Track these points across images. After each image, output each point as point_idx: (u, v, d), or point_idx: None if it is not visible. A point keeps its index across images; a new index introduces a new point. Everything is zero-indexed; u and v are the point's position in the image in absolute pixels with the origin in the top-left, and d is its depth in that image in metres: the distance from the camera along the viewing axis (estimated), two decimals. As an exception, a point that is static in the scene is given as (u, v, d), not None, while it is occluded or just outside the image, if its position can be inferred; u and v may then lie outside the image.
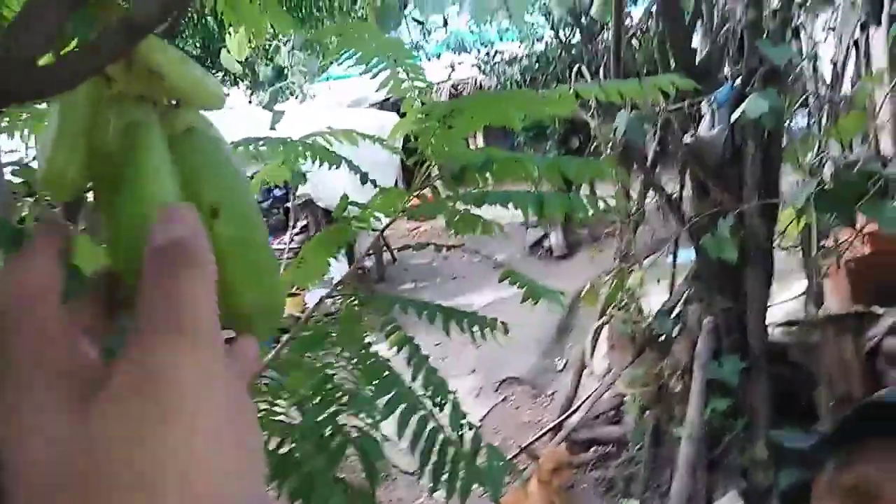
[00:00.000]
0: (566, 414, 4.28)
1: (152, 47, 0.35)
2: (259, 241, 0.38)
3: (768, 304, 3.48)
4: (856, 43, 4.56)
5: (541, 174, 1.34)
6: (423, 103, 1.58)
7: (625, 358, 3.94)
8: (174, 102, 0.37)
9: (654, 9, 4.07)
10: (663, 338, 3.75)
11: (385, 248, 8.39)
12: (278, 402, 1.29)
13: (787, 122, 3.54)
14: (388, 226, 1.65)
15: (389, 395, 1.18)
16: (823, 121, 3.72)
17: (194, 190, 0.34)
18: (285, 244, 6.92)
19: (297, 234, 7.16)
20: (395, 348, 1.35)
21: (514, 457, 4.06)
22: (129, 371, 0.28)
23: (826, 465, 0.87)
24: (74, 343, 0.31)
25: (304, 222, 7.42)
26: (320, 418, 1.07)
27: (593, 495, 3.76)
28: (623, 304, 3.92)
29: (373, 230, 1.75)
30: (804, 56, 4.24)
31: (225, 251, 0.34)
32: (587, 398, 4.20)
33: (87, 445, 0.27)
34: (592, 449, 4.13)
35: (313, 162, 1.61)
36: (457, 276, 8.22)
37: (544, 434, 4.28)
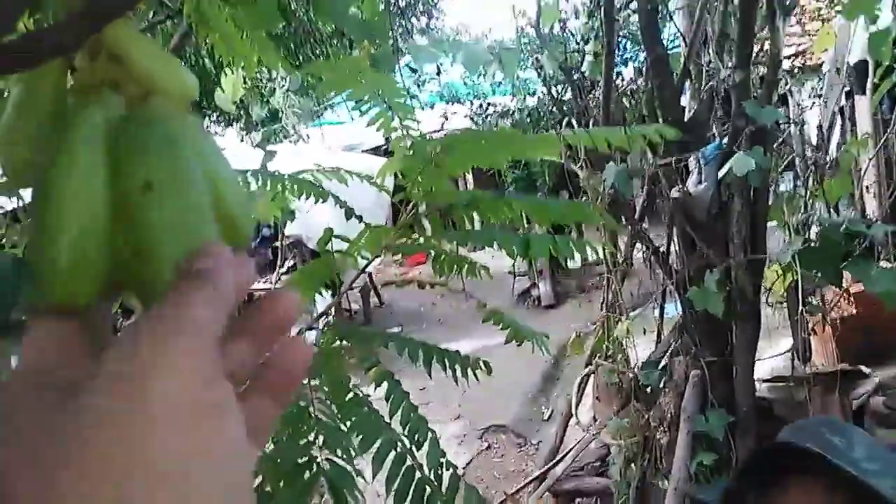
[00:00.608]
0: (551, 464, 4.22)
1: (120, 33, 0.35)
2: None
3: (756, 358, 3.47)
4: (841, 110, 4.66)
5: (527, 214, 1.35)
6: (412, 143, 1.59)
7: (610, 408, 3.91)
8: (141, 93, 0.36)
9: (644, 67, 4.16)
10: (649, 389, 3.72)
11: (372, 290, 8.38)
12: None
13: (774, 182, 3.59)
14: (370, 262, 1.65)
15: (366, 431, 1.16)
16: (810, 182, 3.78)
17: (128, 162, 0.33)
18: (272, 283, 6.90)
19: (284, 273, 7.14)
20: (377, 389, 1.34)
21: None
22: (117, 362, 0.28)
23: None
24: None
25: (292, 262, 7.41)
26: (292, 450, 1.05)
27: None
28: (609, 354, 3.91)
29: (361, 271, 1.75)
30: (791, 119, 4.33)
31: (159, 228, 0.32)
32: (572, 448, 4.15)
33: (58, 435, 0.27)
34: (577, 500, 4.06)
35: (299, 197, 1.61)
36: (444, 322, 8.20)
37: (529, 483, 4.22)
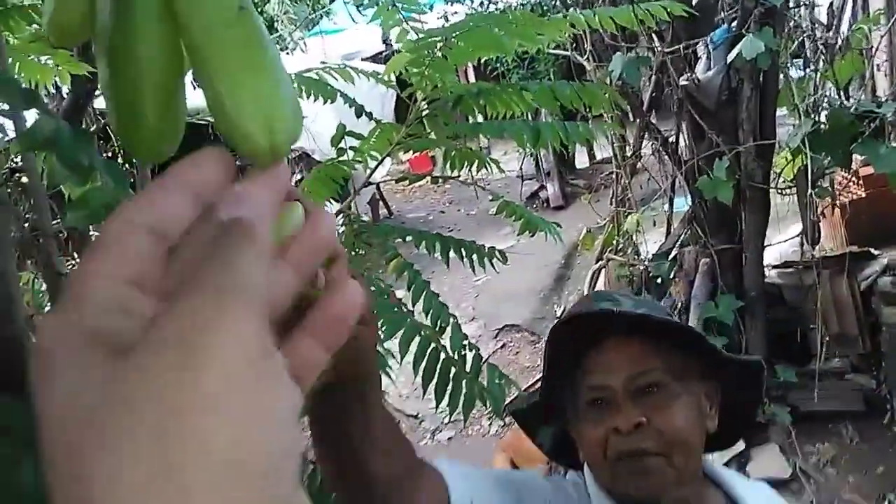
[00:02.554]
0: (564, 358, 4.34)
1: None
2: (278, 54, 0.37)
3: (765, 244, 3.51)
4: (853, -14, 4.51)
5: (536, 102, 1.35)
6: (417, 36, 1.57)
7: (621, 301, 3.98)
8: None
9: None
10: (660, 280, 3.78)
11: (381, 201, 8.39)
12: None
13: (785, 64, 3.52)
14: (380, 163, 1.66)
15: (390, 319, 1.21)
16: (820, 64, 3.70)
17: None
18: (282, 199, 6.91)
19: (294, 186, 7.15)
20: (398, 280, 1.38)
21: (513, 400, 4.13)
22: (166, 324, 0.27)
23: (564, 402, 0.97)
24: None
25: (300, 176, 7.41)
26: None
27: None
28: (620, 248, 3.95)
29: (369, 183, 1.75)
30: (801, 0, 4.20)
31: (256, 45, 0.34)
32: (585, 342, 4.25)
33: (107, 396, 0.26)
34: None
35: (308, 97, 1.61)
36: (453, 229, 8.25)
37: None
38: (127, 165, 1.62)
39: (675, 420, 0.87)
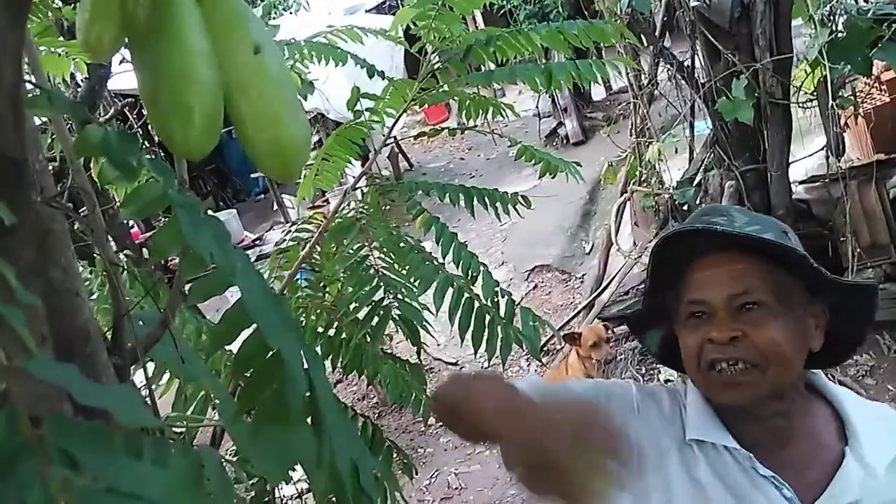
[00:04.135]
0: (597, 292, 4.37)
1: None
2: (292, 82, 0.42)
3: (790, 161, 3.47)
4: None
5: (544, 43, 1.35)
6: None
7: (649, 231, 3.98)
8: None
9: None
10: (686, 207, 3.77)
11: (400, 154, 8.39)
12: (319, 294, 1.37)
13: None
14: (397, 120, 1.67)
15: (422, 273, 1.25)
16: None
17: (234, 32, 0.39)
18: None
19: (311, 150, 7.17)
20: (426, 234, 1.41)
21: (549, 339, 4.20)
22: None
23: (671, 310, 0.98)
24: None
25: (317, 138, 7.41)
26: (356, 296, 1.14)
27: (630, 364, 3.89)
28: (643, 178, 3.93)
29: (386, 143, 1.77)
30: None
31: (273, 86, 0.39)
32: (616, 275, 4.28)
33: None
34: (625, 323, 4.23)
35: (319, 62, 1.62)
36: (474, 175, 8.23)
37: (577, 314, 4.40)
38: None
39: (771, 335, 0.87)
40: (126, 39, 0.41)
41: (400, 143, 8.22)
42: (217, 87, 0.40)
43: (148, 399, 0.61)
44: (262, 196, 9.47)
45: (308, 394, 0.51)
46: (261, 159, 0.42)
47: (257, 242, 6.13)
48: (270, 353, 0.51)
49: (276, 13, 8.77)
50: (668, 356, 1.05)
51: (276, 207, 7.65)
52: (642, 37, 3.77)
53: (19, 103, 0.36)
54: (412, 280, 1.26)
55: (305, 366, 0.52)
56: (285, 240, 1.53)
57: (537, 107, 8.05)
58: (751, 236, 0.90)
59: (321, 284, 1.38)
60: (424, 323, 1.16)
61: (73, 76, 2.55)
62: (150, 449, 0.36)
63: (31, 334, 0.43)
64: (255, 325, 0.49)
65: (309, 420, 0.52)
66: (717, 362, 0.89)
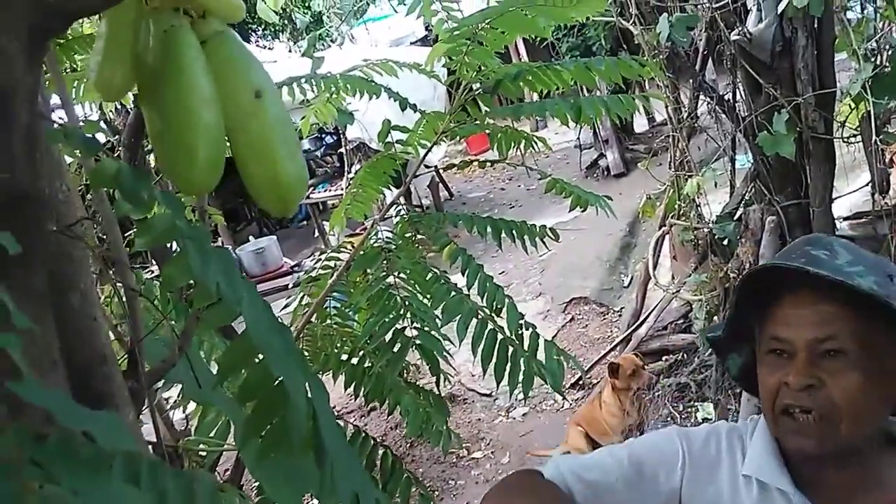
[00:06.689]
0: (634, 326, 4.32)
1: None
2: (291, 124, 0.45)
3: (833, 197, 3.40)
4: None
5: (572, 78, 1.36)
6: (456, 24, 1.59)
7: (688, 265, 3.93)
8: (202, 14, 0.43)
9: None
10: (726, 241, 3.71)
11: (441, 183, 8.45)
12: (348, 322, 1.38)
13: (842, 10, 3.38)
14: (430, 149, 1.69)
15: (447, 303, 1.25)
16: (878, 3, 3.53)
17: (236, 78, 0.41)
18: (343, 190, 7.04)
19: (352, 178, 7.27)
20: (453, 266, 1.42)
21: (589, 370, 4.15)
22: None
23: (755, 336, 0.95)
24: None
25: (359, 166, 7.52)
26: (379, 324, 1.15)
27: (667, 401, 3.82)
28: (682, 212, 3.89)
29: (426, 166, 1.79)
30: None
31: (272, 127, 0.41)
32: (654, 309, 4.22)
33: None
34: (664, 358, 4.16)
35: (354, 95, 1.66)
36: (514, 206, 8.24)
37: (615, 347, 4.34)
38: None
39: (849, 388, 0.84)
40: (136, 82, 0.44)
41: (441, 172, 8.29)
42: (220, 128, 0.42)
43: (154, 421, 0.63)
44: (304, 223, 9.61)
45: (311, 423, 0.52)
46: (259, 194, 0.44)
47: (295, 269, 6.21)
48: (276, 381, 0.52)
49: (322, 44, 8.98)
50: (750, 382, 1.01)
51: (317, 234, 7.76)
52: (681, 70, 3.76)
53: (35, 141, 0.38)
54: (437, 310, 1.27)
55: (309, 394, 0.53)
56: (316, 268, 1.56)
57: (578, 138, 8.05)
58: (842, 283, 0.85)
59: (349, 312, 1.40)
60: (445, 354, 1.16)
61: (124, 105, 2.64)
62: (145, 471, 0.37)
63: (40, 358, 0.45)
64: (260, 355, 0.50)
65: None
66: (791, 408, 0.87)
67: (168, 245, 0.50)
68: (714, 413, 3.62)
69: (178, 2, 0.43)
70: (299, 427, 0.52)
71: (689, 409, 3.74)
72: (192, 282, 0.53)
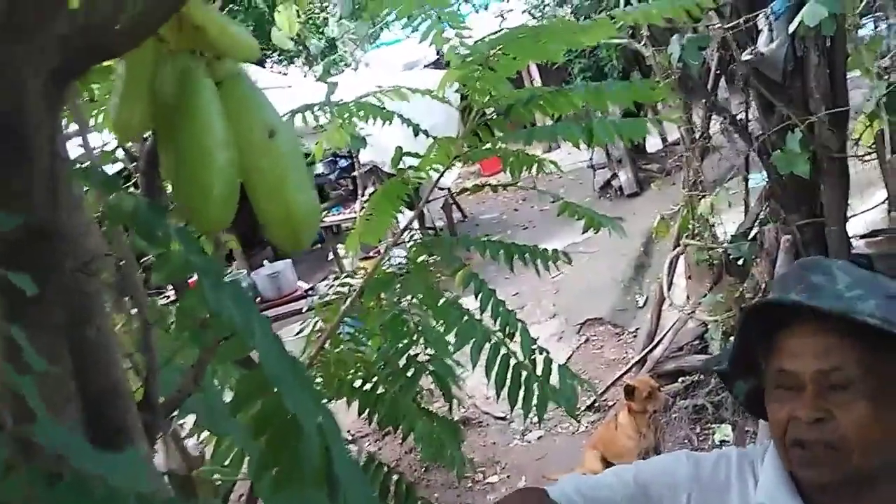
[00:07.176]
0: (649, 347, 4.29)
1: (196, 7, 0.43)
2: (303, 160, 0.46)
3: (848, 215, 3.38)
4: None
5: (584, 102, 1.37)
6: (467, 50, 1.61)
7: (703, 286, 3.91)
8: (216, 55, 0.45)
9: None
10: (741, 261, 3.69)
11: (454, 205, 8.47)
12: (361, 348, 1.39)
13: (854, 28, 3.39)
14: (442, 174, 1.70)
15: (460, 329, 1.26)
16: (892, 19, 3.53)
17: (250, 118, 0.42)
18: (356, 213, 7.07)
19: (366, 201, 7.30)
20: (465, 290, 1.43)
21: (604, 392, 4.12)
22: None
23: (760, 366, 0.95)
24: None
25: (372, 189, 7.55)
26: (392, 350, 1.15)
27: (684, 423, 3.78)
28: (696, 232, 3.88)
29: (440, 188, 1.81)
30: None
31: (286, 164, 0.42)
32: (669, 330, 4.19)
33: None
34: (680, 380, 4.12)
35: (366, 121, 1.68)
36: (527, 227, 8.24)
37: (630, 369, 4.31)
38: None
39: (858, 418, 0.83)
40: (153, 122, 0.45)
41: (454, 194, 8.31)
42: (234, 167, 0.43)
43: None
44: (318, 246, 9.65)
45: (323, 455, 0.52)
46: (272, 229, 0.46)
47: (309, 293, 6.22)
48: (289, 414, 0.52)
49: (336, 69, 9.08)
50: (757, 408, 1.01)
51: (331, 257, 7.78)
52: (693, 90, 3.77)
53: (55, 180, 0.39)
54: (450, 335, 1.27)
55: (322, 426, 0.53)
56: (328, 293, 1.56)
57: (591, 158, 8.06)
58: (844, 316, 0.84)
59: (362, 338, 1.41)
60: (458, 379, 1.16)
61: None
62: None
63: (54, 396, 0.46)
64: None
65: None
66: (802, 441, 0.87)
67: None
68: (732, 435, 3.58)
69: (195, 44, 0.44)
70: (312, 459, 0.52)
71: (707, 432, 3.69)
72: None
